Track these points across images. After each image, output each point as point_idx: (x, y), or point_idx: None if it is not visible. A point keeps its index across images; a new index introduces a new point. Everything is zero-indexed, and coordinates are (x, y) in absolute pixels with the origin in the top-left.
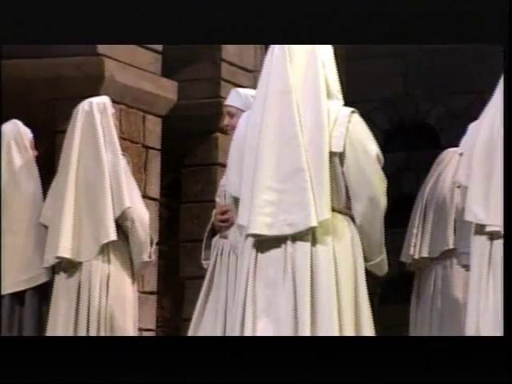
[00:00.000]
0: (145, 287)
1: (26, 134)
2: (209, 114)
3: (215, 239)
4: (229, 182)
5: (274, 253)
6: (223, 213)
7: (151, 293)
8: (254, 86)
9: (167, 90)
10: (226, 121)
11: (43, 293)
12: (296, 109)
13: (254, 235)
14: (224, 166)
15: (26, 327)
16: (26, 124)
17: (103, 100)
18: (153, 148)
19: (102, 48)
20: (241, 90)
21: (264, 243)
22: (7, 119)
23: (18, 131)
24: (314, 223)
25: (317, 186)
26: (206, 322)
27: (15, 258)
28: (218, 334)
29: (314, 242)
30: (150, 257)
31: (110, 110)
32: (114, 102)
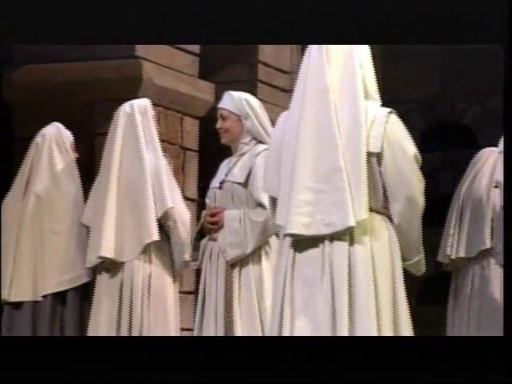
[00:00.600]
0: (183, 287)
1: (67, 136)
2: None
3: (204, 241)
4: (266, 182)
5: (312, 253)
6: (213, 215)
7: (189, 292)
8: (290, 87)
9: (204, 92)
10: (219, 124)
11: (84, 293)
12: (333, 109)
13: (291, 235)
14: None
15: (67, 327)
16: (67, 126)
17: (144, 102)
18: (190, 149)
19: (140, 51)
20: (234, 93)
21: (302, 243)
22: (49, 121)
23: (59, 134)
24: (351, 223)
25: (354, 186)
26: (208, 325)
27: (57, 258)
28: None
29: (351, 242)
30: (190, 256)
31: (151, 111)
32: (152, 104)
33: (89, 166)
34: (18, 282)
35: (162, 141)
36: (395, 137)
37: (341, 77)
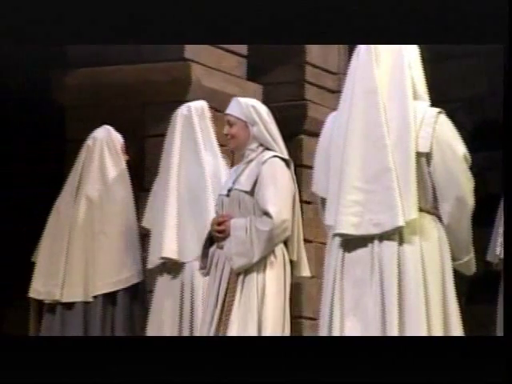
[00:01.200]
0: None
1: (118, 139)
2: (293, 116)
3: (212, 249)
4: (315, 183)
5: (361, 252)
6: (220, 223)
7: None
8: (338, 88)
9: (252, 94)
10: (226, 130)
11: (134, 293)
12: (382, 109)
13: (340, 235)
14: (308, 167)
15: (117, 327)
16: (117, 128)
17: (201, 104)
18: None
19: (188, 53)
20: (241, 99)
21: (351, 243)
22: (100, 124)
23: (109, 137)
24: (401, 223)
25: (404, 186)
26: (203, 328)
27: (108, 259)
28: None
29: (401, 242)
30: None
31: (208, 113)
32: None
33: (139, 167)
34: (69, 282)
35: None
36: (444, 137)
37: (389, 77)
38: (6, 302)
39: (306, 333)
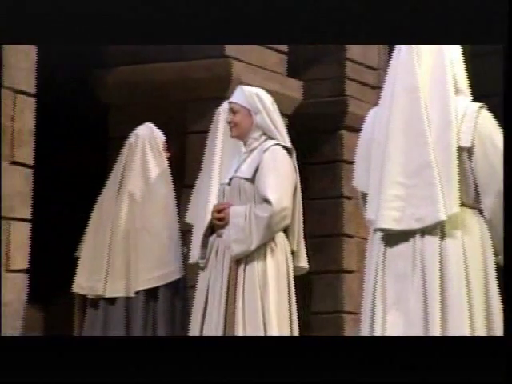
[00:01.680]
0: None
1: (160, 136)
2: (334, 112)
3: (212, 238)
4: (356, 178)
5: (403, 247)
6: (219, 211)
7: None
8: (378, 84)
9: (293, 90)
10: (229, 117)
11: (176, 289)
12: (423, 106)
13: (382, 229)
14: (349, 163)
15: (159, 322)
16: (159, 125)
17: None
18: None
19: (229, 50)
20: (245, 87)
21: (392, 237)
22: (142, 121)
23: (151, 134)
24: (442, 217)
25: (445, 181)
26: (210, 320)
27: (149, 255)
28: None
29: (442, 237)
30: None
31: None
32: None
33: (181, 164)
34: (112, 278)
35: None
36: (486, 131)
37: (430, 75)
38: (51, 297)
39: (348, 327)
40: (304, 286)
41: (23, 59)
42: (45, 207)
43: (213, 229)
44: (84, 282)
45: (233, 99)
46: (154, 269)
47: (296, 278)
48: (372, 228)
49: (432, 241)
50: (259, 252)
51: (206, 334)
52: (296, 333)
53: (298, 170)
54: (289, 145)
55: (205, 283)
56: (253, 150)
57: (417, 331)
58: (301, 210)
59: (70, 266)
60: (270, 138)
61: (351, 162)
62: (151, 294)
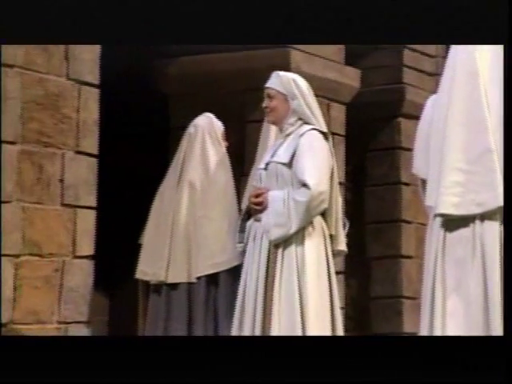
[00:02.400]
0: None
1: (218, 126)
2: (392, 99)
3: (249, 222)
4: (416, 164)
5: (463, 232)
6: (257, 196)
7: (338, 272)
8: (436, 71)
9: (351, 78)
10: (265, 103)
11: (236, 274)
12: (483, 91)
13: (441, 215)
14: (407, 149)
15: (220, 307)
16: (218, 114)
17: None
18: (337, 134)
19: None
20: (282, 73)
21: (452, 223)
22: (202, 111)
23: (211, 124)
24: (502, 202)
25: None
26: (248, 303)
27: (209, 242)
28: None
29: (502, 222)
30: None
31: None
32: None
33: (240, 152)
34: (174, 264)
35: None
36: None
37: (490, 61)
38: (116, 283)
39: (406, 312)
40: (363, 271)
41: (87, 51)
42: (109, 195)
43: (250, 214)
44: (147, 269)
45: (269, 84)
46: (214, 255)
47: (355, 264)
48: (431, 214)
49: (492, 226)
50: (297, 236)
51: (246, 317)
52: (339, 316)
53: (334, 154)
54: (325, 129)
55: (244, 267)
56: (288, 135)
57: (477, 316)
58: (338, 194)
59: (134, 252)
60: (306, 122)
61: (409, 149)
62: (212, 279)
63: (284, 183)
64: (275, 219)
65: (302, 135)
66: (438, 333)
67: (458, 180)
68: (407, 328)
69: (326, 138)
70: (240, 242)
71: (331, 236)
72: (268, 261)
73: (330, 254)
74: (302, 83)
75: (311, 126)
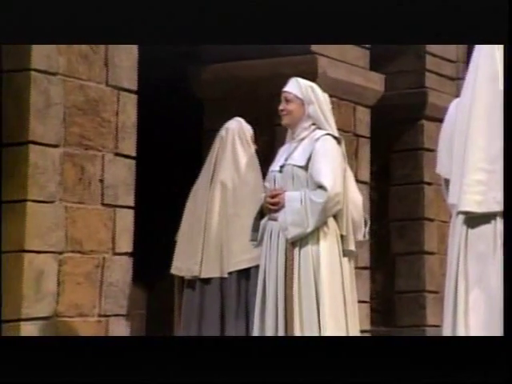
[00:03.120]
0: (358, 263)
1: (248, 129)
2: (414, 102)
3: (264, 221)
4: (440, 165)
5: (484, 229)
6: (273, 196)
7: (364, 268)
8: (456, 76)
9: (375, 83)
10: (282, 106)
11: None
12: (503, 95)
13: (464, 212)
14: (429, 150)
15: (251, 301)
16: (249, 118)
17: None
18: (363, 136)
19: (315, 47)
20: (300, 79)
21: (474, 220)
22: (234, 115)
23: (241, 128)
24: None
25: None
26: (269, 299)
27: (240, 239)
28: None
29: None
30: (364, 236)
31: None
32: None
33: (269, 153)
34: (207, 260)
35: (336, 129)
36: None
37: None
38: (153, 278)
39: (430, 305)
40: (388, 266)
41: (125, 58)
42: (146, 195)
43: (263, 213)
44: (181, 265)
45: (288, 89)
46: (245, 251)
47: (380, 259)
48: (454, 211)
49: None
50: (313, 235)
51: (267, 317)
52: (352, 313)
53: (346, 158)
54: (337, 135)
55: (261, 265)
56: (302, 139)
57: (498, 309)
58: (348, 196)
59: (170, 249)
60: (319, 128)
61: (431, 150)
62: (243, 274)
63: (300, 185)
64: (292, 218)
65: (317, 140)
66: (461, 326)
67: (480, 179)
68: (430, 321)
69: (339, 143)
70: (254, 240)
71: (342, 236)
72: (286, 259)
73: (341, 253)
74: (319, 91)
75: (325, 132)
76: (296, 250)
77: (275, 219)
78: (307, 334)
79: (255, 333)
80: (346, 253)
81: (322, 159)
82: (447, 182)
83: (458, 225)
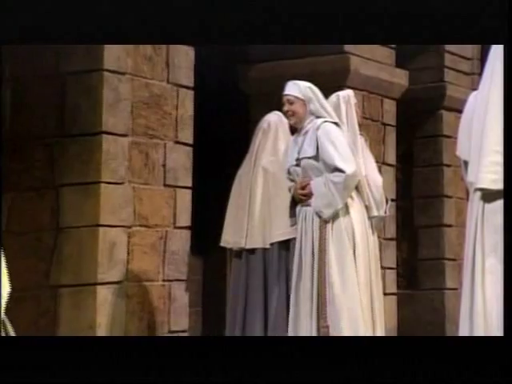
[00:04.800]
0: (386, 235)
1: (286, 122)
2: (434, 95)
3: (298, 208)
4: (459, 148)
5: (500, 203)
6: (303, 188)
7: (391, 239)
8: (471, 71)
9: (400, 78)
10: (287, 107)
11: None
12: None
13: (481, 189)
14: (448, 137)
15: (290, 268)
16: None
17: (348, 93)
18: (389, 125)
19: (347, 47)
20: (298, 82)
21: (490, 196)
22: (277, 109)
23: (280, 120)
24: None
25: None
26: (305, 272)
27: (281, 214)
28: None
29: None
30: (385, 212)
31: (353, 100)
32: (358, 89)
33: None
34: (251, 233)
35: (366, 119)
36: None
37: None
38: (209, 249)
39: (448, 271)
40: (412, 237)
41: (184, 59)
42: (202, 177)
43: (295, 201)
44: (229, 238)
45: (289, 92)
46: (284, 225)
47: (405, 232)
48: (472, 189)
49: None
50: (342, 209)
51: (303, 280)
52: (374, 276)
53: (368, 142)
54: (336, 120)
55: (297, 245)
56: (306, 132)
57: None
58: (363, 168)
59: (221, 223)
60: (318, 117)
61: (450, 136)
62: (284, 245)
63: (318, 172)
64: (322, 201)
65: (317, 128)
66: (478, 288)
67: (495, 160)
68: (449, 284)
69: (338, 126)
70: (292, 225)
71: (366, 207)
72: (320, 235)
73: (367, 221)
74: (315, 88)
75: (323, 119)
76: (329, 226)
77: (308, 205)
78: (343, 292)
79: (292, 295)
80: (372, 220)
81: (329, 144)
82: (466, 163)
83: (475, 200)
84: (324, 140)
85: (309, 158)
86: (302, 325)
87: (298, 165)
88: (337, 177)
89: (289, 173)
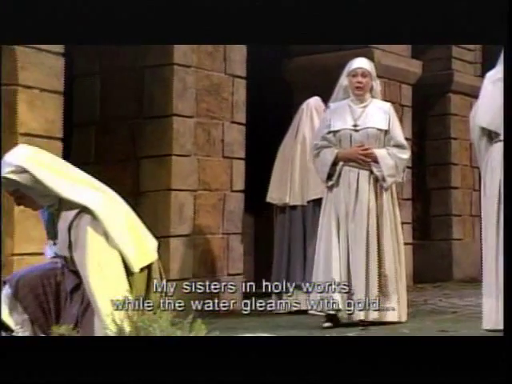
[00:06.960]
0: (404, 195)
1: (322, 105)
2: (443, 81)
3: (339, 167)
4: (480, 116)
5: None
6: (366, 152)
7: (408, 199)
8: (475, 61)
9: (415, 67)
10: (360, 79)
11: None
12: None
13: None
14: (454, 115)
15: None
16: (326, 98)
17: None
18: (406, 106)
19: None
20: (367, 59)
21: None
22: (312, 94)
23: (317, 103)
24: None
25: None
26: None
27: (316, 177)
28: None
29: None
30: (402, 179)
31: (378, 87)
32: (380, 77)
33: None
34: (293, 192)
35: (387, 101)
36: None
37: None
38: (259, 207)
39: (455, 225)
40: (425, 198)
41: (238, 54)
42: (253, 150)
43: (335, 162)
44: (274, 195)
45: (364, 66)
46: (318, 186)
47: (419, 193)
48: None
49: None
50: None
51: (350, 233)
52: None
53: None
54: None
55: (337, 199)
56: (366, 106)
57: None
58: None
59: (268, 187)
60: (373, 97)
61: (456, 115)
62: (317, 202)
63: (379, 143)
64: (388, 171)
65: (389, 108)
66: (501, 238)
67: None
68: (455, 236)
69: None
70: (331, 180)
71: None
72: (377, 201)
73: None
74: None
75: (388, 103)
76: (384, 194)
77: (368, 168)
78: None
79: (322, 242)
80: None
81: (398, 123)
82: (484, 129)
83: (495, 151)
84: (395, 120)
85: (377, 128)
86: (336, 267)
87: (356, 130)
88: (402, 153)
89: (344, 137)
